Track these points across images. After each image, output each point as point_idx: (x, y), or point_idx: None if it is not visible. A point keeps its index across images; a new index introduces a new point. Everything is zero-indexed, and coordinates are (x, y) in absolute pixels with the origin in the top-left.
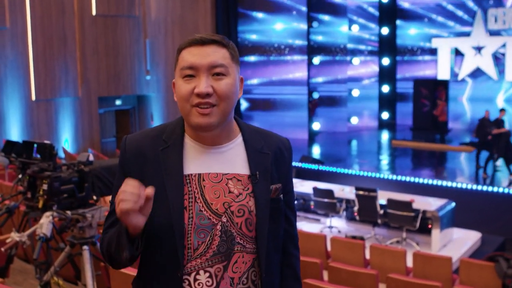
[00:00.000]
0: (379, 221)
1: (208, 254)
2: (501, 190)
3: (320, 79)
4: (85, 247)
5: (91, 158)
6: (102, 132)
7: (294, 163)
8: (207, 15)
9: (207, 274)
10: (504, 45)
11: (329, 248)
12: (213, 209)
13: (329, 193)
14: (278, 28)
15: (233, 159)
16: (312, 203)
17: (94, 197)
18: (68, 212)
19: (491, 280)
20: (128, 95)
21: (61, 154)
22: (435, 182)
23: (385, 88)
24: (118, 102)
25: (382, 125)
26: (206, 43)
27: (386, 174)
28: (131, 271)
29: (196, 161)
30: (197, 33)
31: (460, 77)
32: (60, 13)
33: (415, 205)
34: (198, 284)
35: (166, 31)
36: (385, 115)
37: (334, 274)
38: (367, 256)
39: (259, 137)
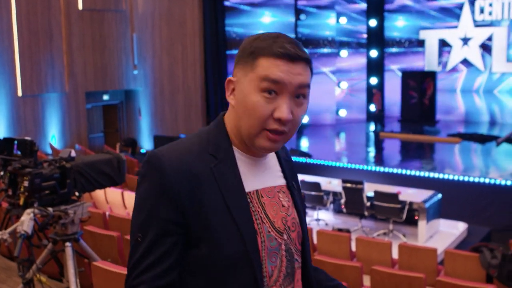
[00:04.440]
0: (366, 213)
1: (280, 279)
2: (487, 181)
3: None
4: (68, 243)
5: (73, 154)
6: (90, 127)
7: None
8: (194, 8)
9: None
10: (490, 37)
11: (316, 241)
12: (276, 228)
13: (316, 186)
14: (265, 21)
15: (273, 169)
16: None
17: (77, 193)
18: (50, 209)
19: (476, 270)
20: (116, 90)
21: (48, 150)
22: (422, 173)
23: (373, 80)
24: (105, 97)
25: (370, 117)
26: (296, 60)
27: (374, 166)
28: (114, 268)
29: (250, 176)
30: (185, 27)
31: (447, 69)
32: (46, 8)
33: (401, 197)
34: None
35: (154, 25)
36: (373, 107)
37: (318, 267)
38: (353, 248)
39: None
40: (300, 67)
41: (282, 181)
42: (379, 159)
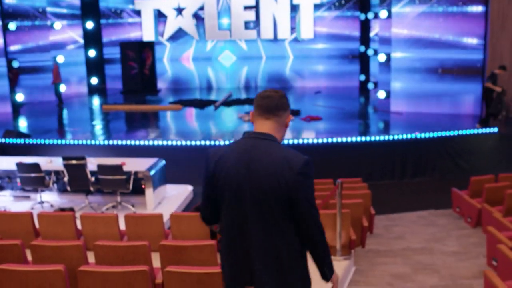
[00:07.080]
0: (91, 188)
1: None
2: (203, 143)
3: (19, 47)
4: None
5: None
6: None
7: None
8: None
9: None
10: (202, 7)
11: (38, 225)
12: None
13: (35, 167)
14: None
15: None
16: (18, 180)
17: None
18: None
19: (200, 229)
20: None
21: None
22: (147, 142)
23: (92, 53)
24: None
25: (92, 90)
26: None
27: (100, 140)
28: None
29: None
30: None
31: (164, 38)
32: None
33: (126, 168)
34: None
35: None
36: (94, 80)
37: (38, 253)
38: (80, 227)
39: None
40: None
41: None
42: (105, 133)
